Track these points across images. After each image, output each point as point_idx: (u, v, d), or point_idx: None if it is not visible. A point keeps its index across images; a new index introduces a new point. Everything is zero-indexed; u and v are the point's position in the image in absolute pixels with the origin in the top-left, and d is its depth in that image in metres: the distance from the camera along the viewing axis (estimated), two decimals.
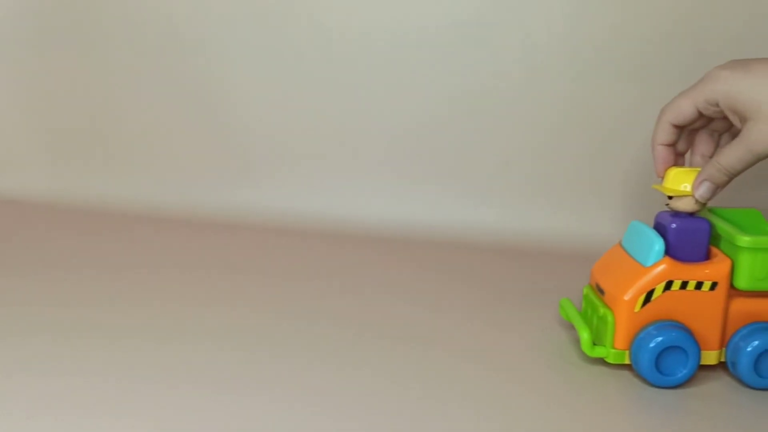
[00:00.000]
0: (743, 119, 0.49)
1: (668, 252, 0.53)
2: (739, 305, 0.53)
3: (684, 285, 0.52)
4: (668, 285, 0.52)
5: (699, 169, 0.53)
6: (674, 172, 0.53)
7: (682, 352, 0.51)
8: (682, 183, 0.53)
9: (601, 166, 0.85)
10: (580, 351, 0.55)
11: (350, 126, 0.89)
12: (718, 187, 0.52)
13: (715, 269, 0.52)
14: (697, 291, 0.52)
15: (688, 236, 0.53)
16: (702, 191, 0.52)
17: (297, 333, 0.58)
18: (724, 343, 0.54)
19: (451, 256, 0.76)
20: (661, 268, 0.52)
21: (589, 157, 0.86)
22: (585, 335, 0.53)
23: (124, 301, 0.62)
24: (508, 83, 0.86)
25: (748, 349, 0.51)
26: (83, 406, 0.46)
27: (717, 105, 0.50)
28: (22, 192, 0.92)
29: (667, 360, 0.51)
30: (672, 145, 0.54)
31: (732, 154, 0.49)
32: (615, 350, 0.53)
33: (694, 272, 0.52)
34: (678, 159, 0.56)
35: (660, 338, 0.51)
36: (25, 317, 0.58)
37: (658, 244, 0.52)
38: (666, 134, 0.53)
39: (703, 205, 0.53)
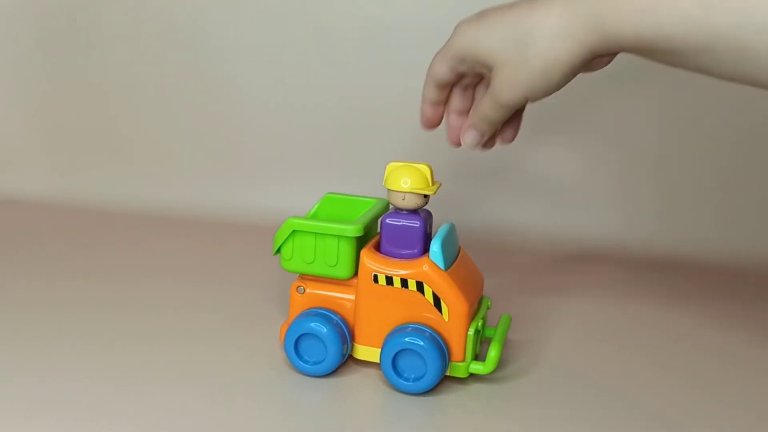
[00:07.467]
0: (490, 70, 0.47)
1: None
2: None
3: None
4: None
5: (419, 164, 0.51)
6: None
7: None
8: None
9: (598, 167, 0.85)
10: None
11: (351, 126, 0.89)
12: (483, 135, 0.51)
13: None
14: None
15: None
16: (468, 138, 0.51)
17: None
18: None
19: None
20: None
21: (587, 157, 0.86)
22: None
23: (124, 302, 0.62)
24: None
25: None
26: (83, 407, 0.46)
27: (464, 61, 0.49)
28: (22, 192, 0.92)
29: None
30: (441, 103, 0.53)
31: (485, 104, 0.49)
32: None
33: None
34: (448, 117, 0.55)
35: None
36: (25, 317, 0.58)
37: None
38: (432, 93, 0.52)
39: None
